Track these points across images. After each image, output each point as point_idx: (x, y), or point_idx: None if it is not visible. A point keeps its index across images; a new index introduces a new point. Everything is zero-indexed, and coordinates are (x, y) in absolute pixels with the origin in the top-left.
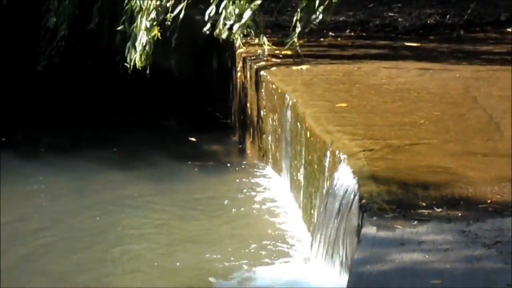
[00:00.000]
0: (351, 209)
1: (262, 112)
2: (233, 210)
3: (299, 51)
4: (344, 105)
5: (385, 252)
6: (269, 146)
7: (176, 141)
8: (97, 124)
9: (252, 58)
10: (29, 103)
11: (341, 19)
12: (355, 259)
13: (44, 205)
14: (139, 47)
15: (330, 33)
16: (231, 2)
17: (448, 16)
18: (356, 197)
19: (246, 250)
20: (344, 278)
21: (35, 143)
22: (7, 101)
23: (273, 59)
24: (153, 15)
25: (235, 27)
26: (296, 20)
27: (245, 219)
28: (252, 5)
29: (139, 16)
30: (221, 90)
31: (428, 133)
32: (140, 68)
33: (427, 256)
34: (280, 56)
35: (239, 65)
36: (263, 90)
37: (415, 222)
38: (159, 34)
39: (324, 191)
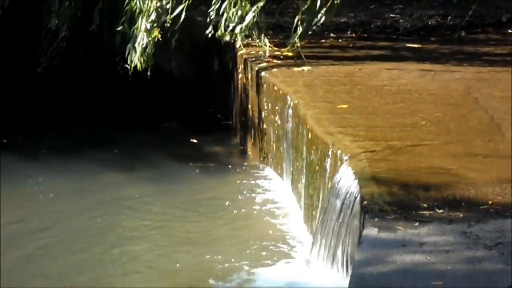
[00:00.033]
0: (352, 210)
1: (263, 114)
2: (234, 211)
3: (300, 52)
4: (345, 106)
5: (387, 253)
6: (270, 148)
7: (177, 143)
8: (97, 125)
9: (253, 59)
10: (29, 104)
11: (342, 20)
12: (356, 260)
13: (44, 206)
14: (139, 49)
15: (332, 34)
16: (232, 4)
17: (449, 18)
18: (358, 198)
19: (247, 252)
20: (346, 279)
21: (36, 144)
22: (8, 102)
23: (274, 61)
24: (153, 16)
25: (237, 28)
26: (298, 21)
27: (246, 221)
28: (255, 7)
29: (140, 18)
30: (222, 92)
31: (429, 134)
32: (141, 70)
33: (428, 257)
34: (281, 57)
35: (240, 67)
36: (264, 92)
37: (417, 223)
38: (159, 35)
39: (325, 192)
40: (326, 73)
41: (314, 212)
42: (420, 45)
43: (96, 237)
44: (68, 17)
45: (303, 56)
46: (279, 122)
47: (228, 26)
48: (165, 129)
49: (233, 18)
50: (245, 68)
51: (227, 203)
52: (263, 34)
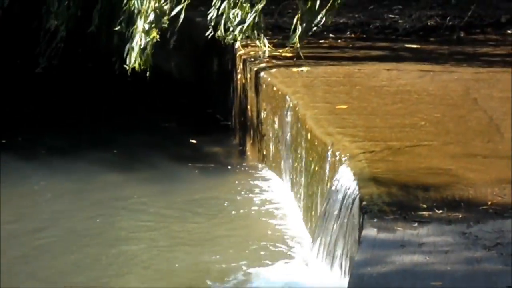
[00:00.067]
0: (351, 211)
1: (262, 114)
2: (233, 211)
3: (300, 53)
4: (344, 107)
5: (386, 254)
6: (270, 148)
7: (177, 143)
8: (97, 125)
9: (252, 60)
10: (29, 104)
11: (341, 21)
12: (355, 260)
13: (43, 206)
14: (138, 50)
15: (331, 35)
16: (232, 5)
17: (448, 18)
18: (357, 199)
19: (246, 252)
20: (345, 280)
21: (35, 144)
22: (7, 102)
23: (274, 61)
24: (151, 17)
25: (237, 29)
26: (297, 22)
27: (245, 221)
28: (255, 8)
29: (138, 18)
30: (221, 92)
31: (429, 135)
32: (139, 71)
33: (427, 258)
34: (281, 58)
35: (240, 67)
36: (263, 92)
37: (416, 224)
38: (157, 36)
39: (324, 193)
40: (325, 74)
41: (313, 213)
42: (419, 46)
43: (95, 237)
44: (66, 18)
45: (302, 57)
46: (278, 122)
47: (228, 27)
48: (164, 129)
49: (233, 19)
50: (244, 69)
51: (226, 203)
52: (262, 35)
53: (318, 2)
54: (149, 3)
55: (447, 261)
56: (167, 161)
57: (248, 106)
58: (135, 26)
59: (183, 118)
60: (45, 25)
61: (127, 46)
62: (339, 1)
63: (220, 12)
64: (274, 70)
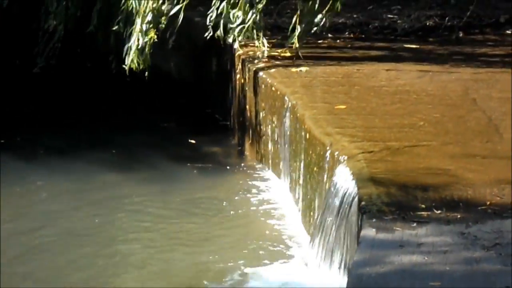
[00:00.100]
0: (350, 211)
1: (261, 114)
2: (231, 211)
3: (299, 53)
4: (343, 107)
5: (385, 254)
6: (268, 148)
7: (176, 143)
8: (96, 125)
9: (251, 60)
10: (28, 104)
11: (340, 21)
12: (354, 261)
13: (41, 206)
14: (136, 50)
15: (329, 35)
16: (231, 5)
17: (447, 18)
18: (355, 199)
19: (244, 252)
20: (343, 280)
21: (34, 144)
22: (6, 102)
23: (272, 61)
24: (149, 17)
25: (237, 30)
26: (296, 21)
27: (243, 221)
28: (255, 9)
29: (136, 18)
30: (220, 92)
31: (428, 135)
32: (137, 71)
33: (426, 258)
34: (279, 58)
35: (238, 67)
36: (262, 92)
37: (414, 224)
38: (155, 36)
39: (323, 193)
40: (324, 74)
41: (311, 213)
42: (418, 46)
43: (93, 237)
44: (64, 18)
45: (301, 57)
46: (277, 122)
47: (227, 27)
48: (163, 129)
49: (233, 19)
50: (243, 69)
51: (224, 203)
52: (261, 35)
53: (317, 3)
54: (147, 3)
55: (446, 261)
56: (166, 161)
57: (247, 106)
58: (133, 26)
59: (182, 118)
60: (44, 25)
61: (126, 46)
62: (338, 5)
63: (219, 12)
64: (273, 70)
